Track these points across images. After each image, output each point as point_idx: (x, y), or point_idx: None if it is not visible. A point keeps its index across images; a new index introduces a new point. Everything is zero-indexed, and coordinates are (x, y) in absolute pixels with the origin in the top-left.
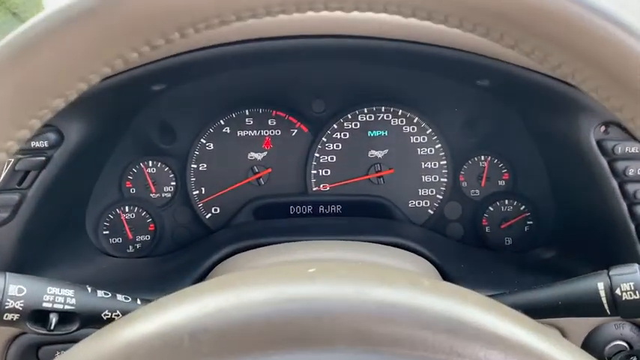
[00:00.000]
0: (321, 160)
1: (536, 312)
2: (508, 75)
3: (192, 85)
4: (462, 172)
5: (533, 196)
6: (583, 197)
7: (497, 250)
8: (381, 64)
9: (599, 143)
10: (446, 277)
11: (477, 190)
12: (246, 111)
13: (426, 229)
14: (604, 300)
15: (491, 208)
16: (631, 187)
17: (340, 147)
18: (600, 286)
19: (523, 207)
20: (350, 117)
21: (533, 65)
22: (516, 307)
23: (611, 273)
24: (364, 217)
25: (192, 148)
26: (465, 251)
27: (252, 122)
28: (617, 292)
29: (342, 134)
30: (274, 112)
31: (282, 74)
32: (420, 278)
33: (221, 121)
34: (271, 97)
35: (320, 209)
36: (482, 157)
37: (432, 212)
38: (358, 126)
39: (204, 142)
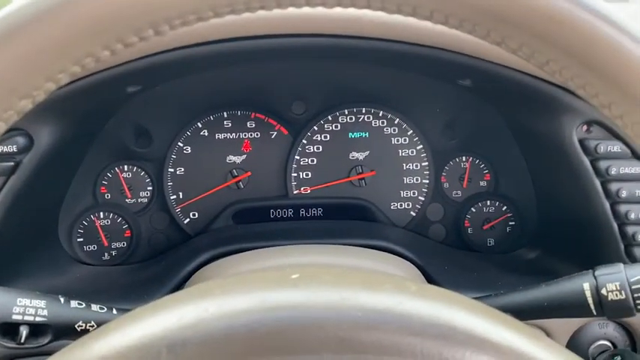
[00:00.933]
0: (301, 163)
1: (523, 313)
2: (490, 74)
3: (167, 87)
4: (444, 174)
5: (516, 197)
6: (566, 197)
7: (480, 251)
8: (361, 64)
9: (581, 142)
10: (429, 279)
11: (459, 191)
12: (225, 113)
13: (408, 231)
14: (590, 300)
15: (474, 209)
16: (613, 186)
17: (321, 149)
18: (586, 286)
19: (505, 208)
20: (330, 118)
21: (515, 64)
22: (503, 309)
23: (596, 273)
24: (346, 219)
25: (169, 152)
26: (448, 253)
27: (230, 125)
28: (603, 292)
29: (322, 136)
30: (253, 114)
31: (261, 75)
32: (406, 283)
33: (199, 124)
34: (250, 99)
35: (301, 212)
36: (464, 158)
37: (414, 214)
38: (339, 127)
39: (182, 145)
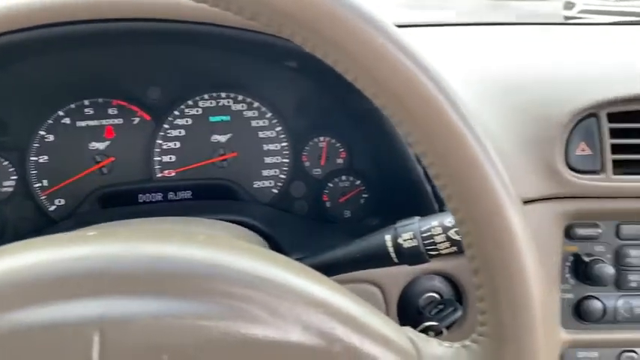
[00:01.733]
0: (164, 147)
1: (338, 267)
2: (308, 55)
3: (14, 73)
4: (305, 153)
5: (365, 171)
6: (393, 166)
7: (338, 223)
8: (207, 50)
9: None
10: (279, 248)
11: (319, 169)
12: (86, 101)
13: (271, 207)
14: (391, 250)
15: (331, 185)
16: None
17: (183, 133)
18: (387, 237)
19: (359, 182)
20: (191, 103)
21: None
22: (322, 264)
23: (396, 225)
24: (213, 200)
25: (31, 141)
26: (307, 226)
27: (92, 112)
28: (400, 241)
29: (184, 120)
30: (115, 101)
31: (112, 61)
32: (197, 236)
33: (60, 112)
34: (108, 86)
35: (170, 196)
36: (322, 138)
37: (276, 191)
38: (200, 112)
39: (43, 133)
